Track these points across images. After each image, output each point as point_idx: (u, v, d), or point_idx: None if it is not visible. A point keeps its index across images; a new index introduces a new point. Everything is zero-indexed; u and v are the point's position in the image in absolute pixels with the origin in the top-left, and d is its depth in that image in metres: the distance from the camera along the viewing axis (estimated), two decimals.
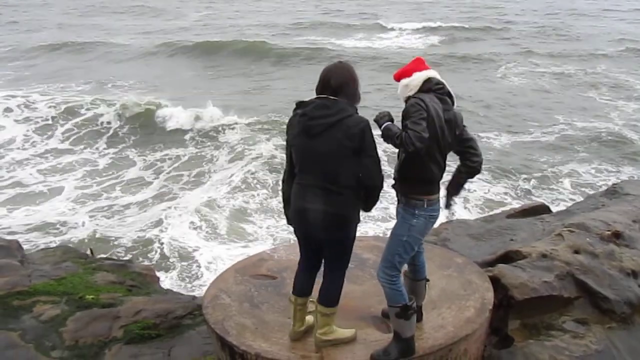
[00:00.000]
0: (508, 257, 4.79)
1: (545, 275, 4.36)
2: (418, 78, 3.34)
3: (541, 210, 6.60)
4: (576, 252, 4.68)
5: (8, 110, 17.07)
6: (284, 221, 3.67)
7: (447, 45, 29.08)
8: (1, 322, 4.44)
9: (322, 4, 47.83)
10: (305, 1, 49.19)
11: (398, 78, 3.41)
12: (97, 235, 9.76)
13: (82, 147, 14.80)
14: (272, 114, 16.37)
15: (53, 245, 8.74)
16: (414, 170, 3.32)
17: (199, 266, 8.81)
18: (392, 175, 3.48)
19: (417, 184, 3.34)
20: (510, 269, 4.45)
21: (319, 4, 48.15)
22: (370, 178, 3.26)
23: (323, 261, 3.50)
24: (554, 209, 7.39)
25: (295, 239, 3.56)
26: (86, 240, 9.49)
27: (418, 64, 3.44)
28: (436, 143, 3.25)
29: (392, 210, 9.68)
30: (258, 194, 11.48)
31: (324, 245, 3.41)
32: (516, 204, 9.94)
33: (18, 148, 14.68)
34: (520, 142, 14.73)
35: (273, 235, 9.75)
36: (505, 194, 11.44)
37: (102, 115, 16.59)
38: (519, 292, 4.21)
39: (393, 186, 3.49)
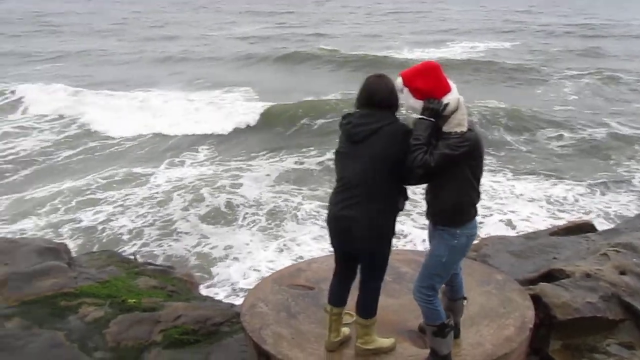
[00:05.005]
0: (550, 276, 4.68)
1: (589, 296, 4.24)
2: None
3: (586, 228, 6.41)
4: (622, 272, 4.53)
5: None
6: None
7: None
8: (49, 321, 4.62)
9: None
10: None
11: (438, 92, 3.13)
12: (142, 241, 9.98)
13: None
14: None
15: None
16: (452, 198, 3.19)
17: (239, 274, 8.89)
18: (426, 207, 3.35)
19: (457, 214, 3.23)
20: (552, 287, 4.34)
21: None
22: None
23: (359, 272, 3.50)
24: (599, 227, 7.17)
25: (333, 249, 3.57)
26: (131, 246, 9.74)
27: (445, 77, 3.21)
28: (477, 168, 3.20)
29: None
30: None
31: (360, 255, 3.41)
32: (560, 222, 9.66)
33: None
34: (568, 152, 14.38)
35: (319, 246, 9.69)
36: (549, 208, 11.09)
37: None
38: (561, 312, 4.10)
39: (427, 217, 3.38)
